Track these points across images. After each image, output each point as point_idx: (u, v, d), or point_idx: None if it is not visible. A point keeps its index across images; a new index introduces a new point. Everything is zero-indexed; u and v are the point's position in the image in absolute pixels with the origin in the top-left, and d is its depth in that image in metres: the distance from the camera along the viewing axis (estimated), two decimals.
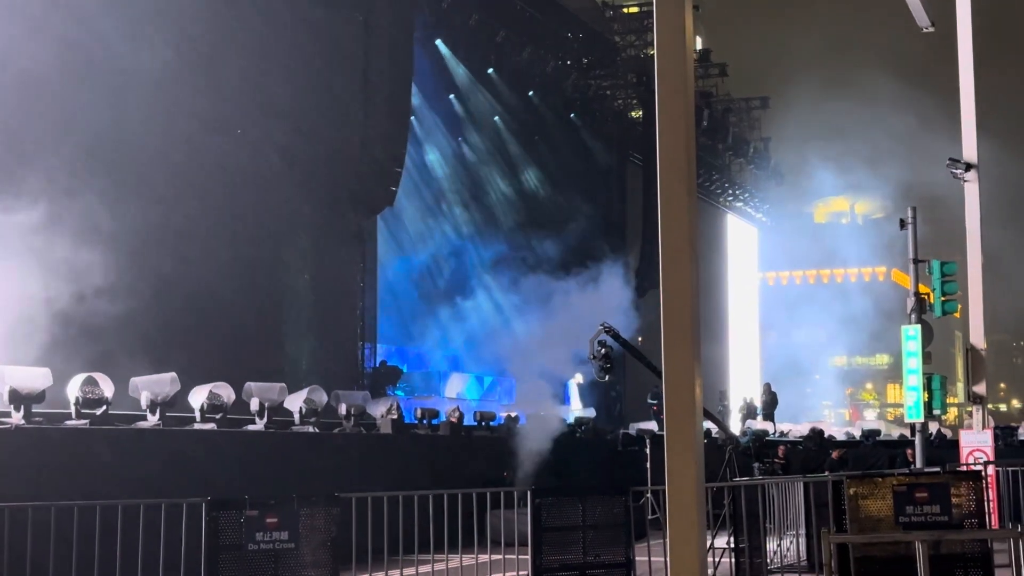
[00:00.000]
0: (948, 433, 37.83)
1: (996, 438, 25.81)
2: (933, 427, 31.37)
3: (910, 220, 26.24)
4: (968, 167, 25.60)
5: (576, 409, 34.87)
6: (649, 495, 20.36)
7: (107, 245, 22.09)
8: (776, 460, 27.99)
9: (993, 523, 17.73)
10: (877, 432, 38.01)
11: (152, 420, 18.31)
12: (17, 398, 16.31)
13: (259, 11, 28.57)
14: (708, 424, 23.74)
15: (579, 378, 33.98)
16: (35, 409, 16.58)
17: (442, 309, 44.10)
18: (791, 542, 17.98)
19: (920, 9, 25.23)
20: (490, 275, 44.79)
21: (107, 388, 17.52)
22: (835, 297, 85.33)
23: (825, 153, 70.99)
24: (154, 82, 25.49)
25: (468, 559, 14.91)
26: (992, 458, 23.07)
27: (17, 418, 16.22)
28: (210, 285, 26.74)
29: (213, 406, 19.42)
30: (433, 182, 44.05)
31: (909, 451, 28.89)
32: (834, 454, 29.26)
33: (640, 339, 39.42)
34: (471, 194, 45.69)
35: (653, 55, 10.48)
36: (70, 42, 23.17)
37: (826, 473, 22.90)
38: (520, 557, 14.82)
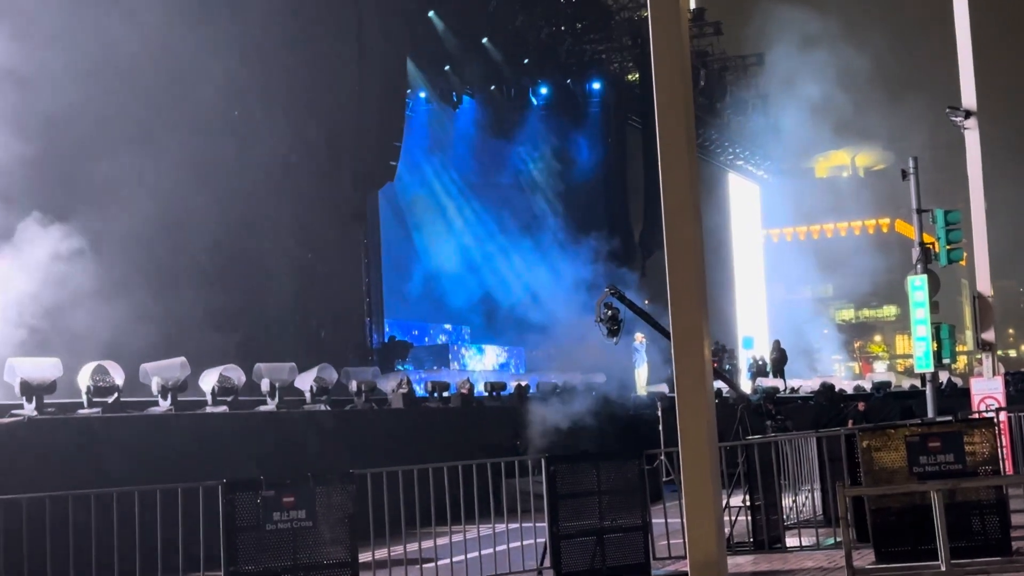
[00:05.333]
0: (959, 382, 37.85)
1: (1007, 384, 25.84)
2: (943, 376, 31.38)
3: (911, 170, 26.15)
4: (968, 114, 25.51)
5: (643, 370, 34.46)
6: (663, 457, 20.38)
7: (109, 231, 22.12)
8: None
9: (1007, 469, 17.76)
10: (888, 384, 38.03)
11: (164, 405, 18.35)
12: (29, 389, 16.36)
13: None
14: (718, 383, 23.76)
15: (641, 337, 33.56)
16: (47, 400, 16.62)
17: (452, 283, 44.20)
18: (806, 497, 18.02)
19: None
20: (499, 247, 44.88)
21: (118, 375, 17.56)
22: (840, 251, 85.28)
23: (823, 107, 70.70)
24: (149, 68, 25.44)
25: (485, 529, 14.96)
26: (1004, 404, 23.09)
27: (30, 409, 16.26)
28: (213, 267, 26.77)
29: (224, 389, 19.46)
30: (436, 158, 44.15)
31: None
32: (859, 405, 29.20)
33: (647, 301, 39.45)
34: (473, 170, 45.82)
35: (647, 17, 10.43)
36: (65, 39, 23.10)
37: (849, 424, 22.96)
38: (537, 524, 14.87)
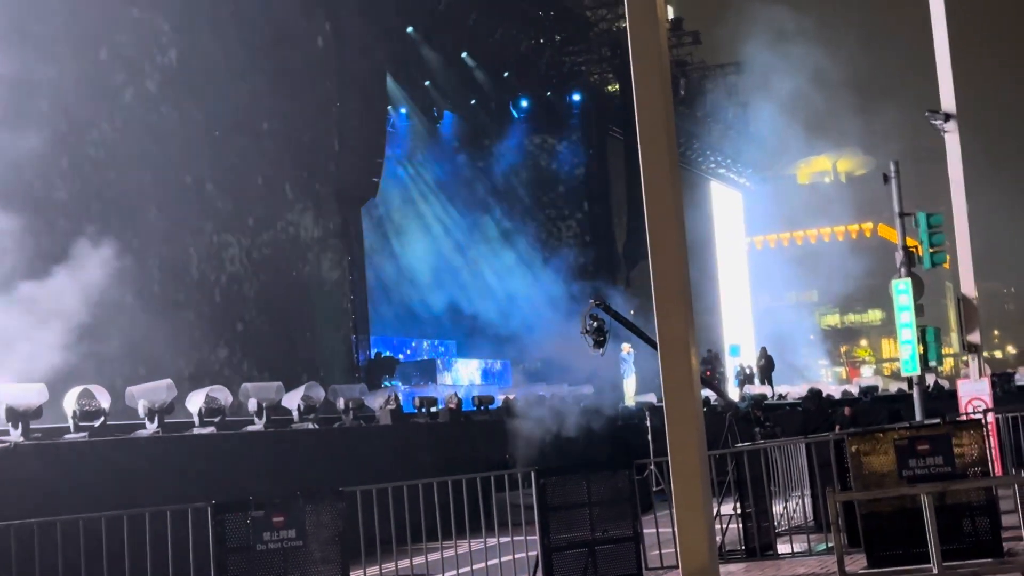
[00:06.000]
0: (946, 384, 37.93)
1: (994, 385, 25.87)
2: (930, 379, 31.44)
3: (893, 174, 26.22)
4: (947, 117, 25.61)
5: (631, 380, 34.48)
6: (652, 467, 20.38)
7: (92, 252, 22.05)
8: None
9: (996, 470, 17.78)
10: (875, 388, 38.11)
11: (151, 428, 18.27)
12: (14, 415, 16.25)
13: (231, 11, 28.48)
14: (706, 392, 23.74)
15: (628, 347, 33.57)
16: (33, 425, 16.53)
17: (436, 297, 44.20)
18: (797, 504, 18.02)
19: None
20: (483, 259, 44.89)
21: (103, 399, 17.48)
22: (823, 256, 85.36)
23: (803, 113, 70.90)
24: (136, 90, 25.44)
25: (476, 543, 14.93)
26: (991, 405, 23.12)
27: (16, 435, 16.17)
28: (197, 286, 26.73)
29: (211, 410, 19.38)
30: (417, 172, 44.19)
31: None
32: (846, 411, 29.24)
33: (632, 311, 39.47)
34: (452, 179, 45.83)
35: (626, 27, 10.44)
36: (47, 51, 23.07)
37: (836, 429, 22.97)
38: (528, 538, 14.84)
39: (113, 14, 25.15)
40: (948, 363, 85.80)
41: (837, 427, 24.74)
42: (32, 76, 22.57)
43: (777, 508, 17.19)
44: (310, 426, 21.31)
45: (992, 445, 17.47)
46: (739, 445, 17.25)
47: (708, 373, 38.01)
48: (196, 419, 19.26)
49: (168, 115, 26.58)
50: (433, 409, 25.61)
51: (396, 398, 24.53)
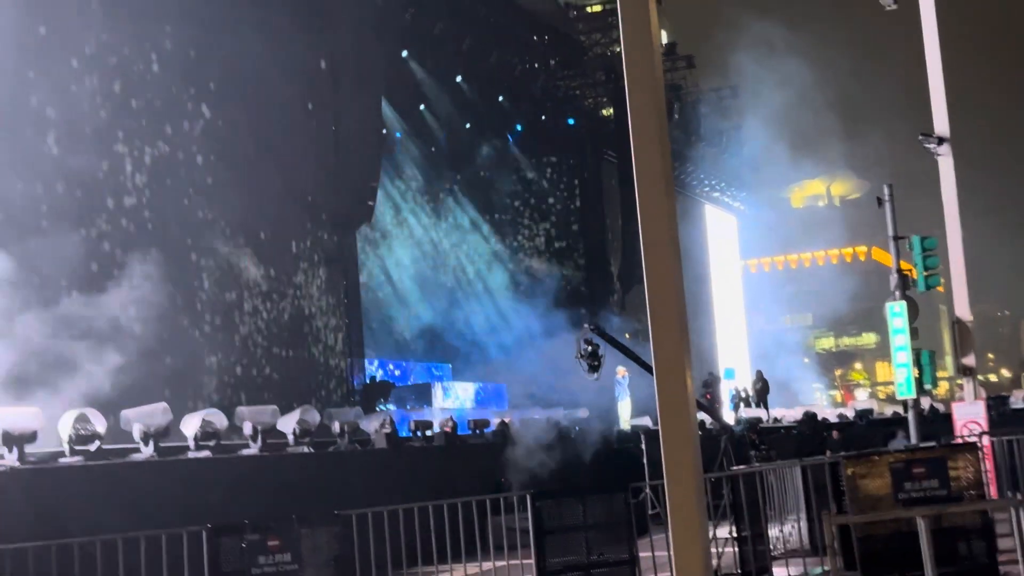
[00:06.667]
0: (940, 407, 37.92)
1: (989, 408, 25.86)
2: (925, 402, 31.43)
3: (887, 198, 26.28)
4: (941, 140, 25.68)
5: (626, 404, 34.49)
6: (648, 490, 20.36)
7: (83, 277, 22.12)
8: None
9: (991, 493, 17.78)
10: (870, 411, 38.07)
11: (146, 452, 18.25)
12: (9, 440, 16.22)
13: (228, 33, 28.56)
14: (701, 415, 23.72)
15: (623, 371, 33.57)
16: (28, 449, 16.50)
17: (430, 320, 44.24)
18: (792, 527, 18.01)
19: None
20: (477, 282, 44.94)
21: (99, 423, 17.45)
22: (818, 280, 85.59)
23: (797, 137, 71.14)
24: (129, 109, 25.51)
25: (472, 567, 14.90)
26: (986, 428, 23.12)
27: (11, 459, 16.14)
28: (193, 309, 26.73)
29: (206, 433, 19.36)
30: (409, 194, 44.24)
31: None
32: (835, 434, 29.27)
33: (627, 335, 39.48)
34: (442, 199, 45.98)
35: (620, 52, 10.48)
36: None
37: (827, 454, 22.97)
38: (524, 561, 14.82)
39: (103, 42, 25.19)
40: (943, 386, 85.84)
41: (828, 452, 24.77)
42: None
43: (773, 531, 17.17)
44: (305, 450, 21.28)
45: (988, 468, 17.48)
46: (735, 468, 17.24)
47: (708, 396, 38.01)
48: (191, 443, 19.23)
49: (160, 140, 26.60)
50: (428, 433, 25.60)
51: (391, 422, 24.50)
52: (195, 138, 27.40)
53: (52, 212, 23.29)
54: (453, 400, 37.78)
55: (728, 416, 38.16)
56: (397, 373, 39.56)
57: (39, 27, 23.22)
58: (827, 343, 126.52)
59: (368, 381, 35.06)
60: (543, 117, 48.11)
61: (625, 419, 33.69)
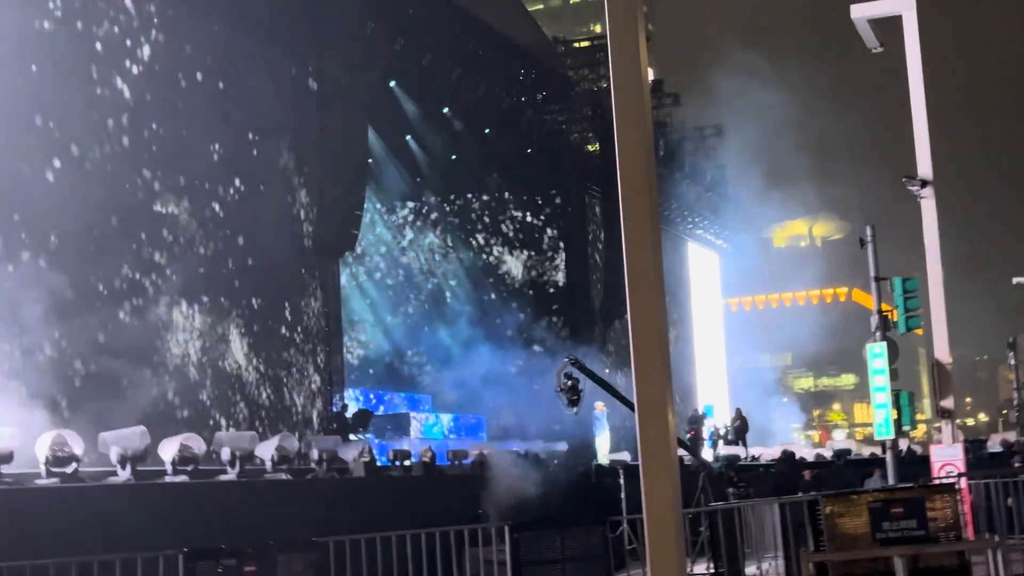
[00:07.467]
0: (918, 449, 38.03)
1: (966, 451, 25.95)
2: (903, 444, 31.52)
3: (869, 239, 26.43)
4: (924, 183, 25.85)
5: (604, 438, 34.51)
6: (625, 525, 20.35)
7: (62, 297, 22.10)
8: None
9: (969, 535, 17.83)
10: (848, 451, 38.17)
11: (123, 475, 18.18)
12: None
13: (212, 58, 28.67)
14: (679, 452, 23.71)
15: (601, 406, 33.60)
16: (4, 469, 16.42)
17: (408, 350, 44.26)
18: (770, 564, 18.02)
19: (869, 31, 25.55)
20: (458, 312, 44.99)
21: (76, 445, 17.38)
22: (798, 320, 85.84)
23: (780, 177, 71.56)
24: (105, 136, 25.48)
25: None
26: (964, 471, 23.19)
27: None
28: (173, 334, 26.69)
29: (184, 458, 19.30)
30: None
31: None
32: (806, 475, 29.37)
33: (607, 371, 39.53)
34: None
35: (606, 88, 10.56)
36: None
37: (800, 494, 22.99)
38: None
39: (90, 68, 25.23)
40: (921, 429, 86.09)
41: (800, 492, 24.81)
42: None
43: (750, 569, 17.19)
44: (283, 476, 21.22)
45: (965, 510, 17.53)
46: (713, 504, 17.27)
47: (692, 433, 38.04)
48: (169, 467, 19.16)
49: (142, 166, 26.60)
50: (407, 463, 25.56)
51: (369, 450, 24.47)
52: (176, 159, 27.37)
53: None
54: (431, 430, 37.74)
55: (707, 453, 38.21)
56: (375, 402, 39.49)
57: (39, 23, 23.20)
58: (806, 383, 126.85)
59: (347, 409, 34.98)
60: (529, 150, 48.23)
61: (603, 453, 33.71)
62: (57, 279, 22.44)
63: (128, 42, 26.14)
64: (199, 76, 28.27)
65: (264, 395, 30.42)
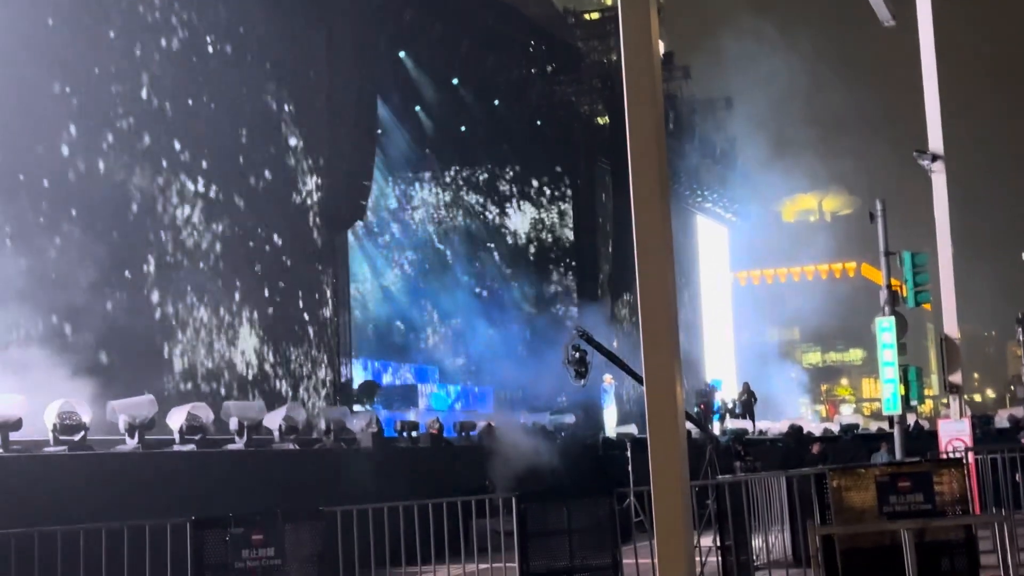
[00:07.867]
0: (925, 424, 37.99)
1: (974, 427, 25.94)
2: (910, 419, 31.49)
3: (879, 213, 26.36)
4: (935, 158, 25.76)
5: (611, 411, 34.60)
6: (632, 497, 20.37)
7: (70, 273, 22.13)
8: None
9: (975, 509, 17.81)
10: (855, 426, 38.11)
11: (131, 444, 18.21)
12: None
13: (219, 29, 28.57)
14: (687, 424, 23.69)
15: (609, 378, 33.63)
16: (12, 437, 16.45)
17: (417, 322, 44.28)
18: (776, 538, 18.03)
19: (881, 4, 25.41)
20: (466, 285, 44.99)
21: (84, 413, 17.40)
22: (807, 294, 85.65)
23: (790, 151, 71.34)
24: (119, 115, 25.47)
25: (455, 568, 14.90)
26: (971, 446, 23.17)
27: None
28: (181, 305, 26.72)
29: (192, 427, 19.32)
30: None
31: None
32: (813, 448, 29.34)
33: (615, 343, 39.51)
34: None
35: (617, 60, 10.50)
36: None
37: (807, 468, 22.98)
38: (507, 564, 14.82)
39: (95, 57, 25.15)
40: (928, 404, 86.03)
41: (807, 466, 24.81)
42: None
43: (756, 541, 17.18)
44: (291, 446, 21.26)
45: (972, 485, 17.51)
46: (720, 477, 17.26)
47: (702, 406, 38.02)
48: (177, 436, 19.19)
49: (148, 140, 26.59)
50: (414, 434, 25.59)
51: (377, 421, 24.50)
52: (184, 132, 27.34)
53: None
54: (438, 402, 37.81)
55: (714, 427, 38.21)
56: (383, 373, 39.56)
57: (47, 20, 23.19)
58: (814, 358, 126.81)
59: (355, 380, 35.04)
60: (538, 122, 48.10)
61: (611, 426, 33.74)
62: (76, 255, 22.49)
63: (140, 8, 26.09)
64: (210, 50, 28.21)
65: (272, 364, 30.47)
